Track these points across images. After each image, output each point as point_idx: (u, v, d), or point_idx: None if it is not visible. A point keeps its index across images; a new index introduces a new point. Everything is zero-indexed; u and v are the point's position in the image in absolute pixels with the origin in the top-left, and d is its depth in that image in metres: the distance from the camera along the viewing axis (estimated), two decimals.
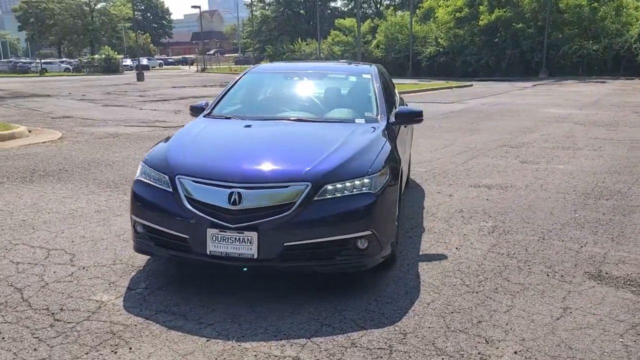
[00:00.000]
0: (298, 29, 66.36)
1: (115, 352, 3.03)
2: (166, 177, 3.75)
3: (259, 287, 3.86)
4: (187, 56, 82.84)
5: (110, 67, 57.18)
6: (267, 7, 72.02)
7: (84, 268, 4.19)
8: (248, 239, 3.47)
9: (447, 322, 3.38)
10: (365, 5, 73.01)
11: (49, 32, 76.37)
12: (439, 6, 48.15)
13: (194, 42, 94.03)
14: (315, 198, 3.56)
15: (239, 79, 5.58)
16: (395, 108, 5.40)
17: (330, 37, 56.07)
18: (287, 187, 3.56)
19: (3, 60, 76.05)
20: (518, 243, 4.81)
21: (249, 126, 4.65)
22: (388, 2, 69.29)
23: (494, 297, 3.73)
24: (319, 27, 54.87)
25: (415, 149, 9.76)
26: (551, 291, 3.83)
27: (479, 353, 3.03)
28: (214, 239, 3.51)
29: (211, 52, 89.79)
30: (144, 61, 64.58)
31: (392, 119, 4.86)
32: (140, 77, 39.31)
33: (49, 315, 3.44)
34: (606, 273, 4.16)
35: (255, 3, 71.22)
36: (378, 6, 69.63)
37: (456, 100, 21.00)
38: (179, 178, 3.70)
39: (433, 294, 3.77)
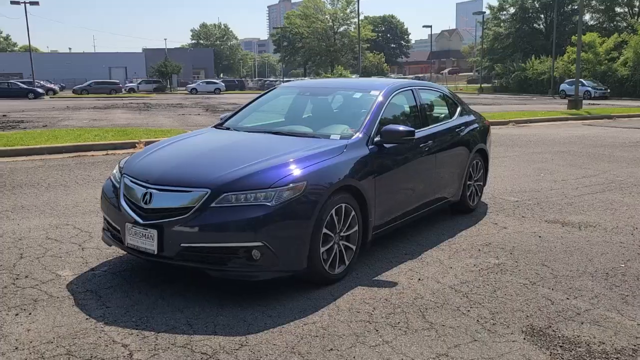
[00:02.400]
0: (534, 45, 62.53)
1: (17, 315, 3.66)
2: (119, 174, 4.34)
3: (196, 286, 4.13)
4: (420, 75, 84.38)
5: None
6: (501, 24, 69.29)
7: (83, 249, 4.99)
8: (150, 235, 3.83)
9: (297, 344, 3.26)
10: (619, 18, 65.36)
11: (297, 54, 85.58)
12: None
13: (431, 61, 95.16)
14: (213, 204, 3.75)
15: (263, 94, 5.94)
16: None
17: (566, 55, 51.63)
18: (190, 191, 3.83)
19: (255, 78, 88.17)
20: (496, 284, 4.21)
21: (221, 136, 5.06)
22: None
23: (380, 330, 3.43)
24: (554, 43, 51.16)
25: (539, 177, 8.77)
26: (436, 337, 3.36)
27: None
28: (129, 232, 3.96)
29: (445, 71, 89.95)
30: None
31: (377, 138, 4.68)
32: None
33: (13, 279, 4.27)
34: (554, 331, 3.45)
35: (490, 20, 69.11)
36: (637, 18, 61.70)
37: None
38: (123, 176, 4.24)
39: (324, 317, 3.63)
